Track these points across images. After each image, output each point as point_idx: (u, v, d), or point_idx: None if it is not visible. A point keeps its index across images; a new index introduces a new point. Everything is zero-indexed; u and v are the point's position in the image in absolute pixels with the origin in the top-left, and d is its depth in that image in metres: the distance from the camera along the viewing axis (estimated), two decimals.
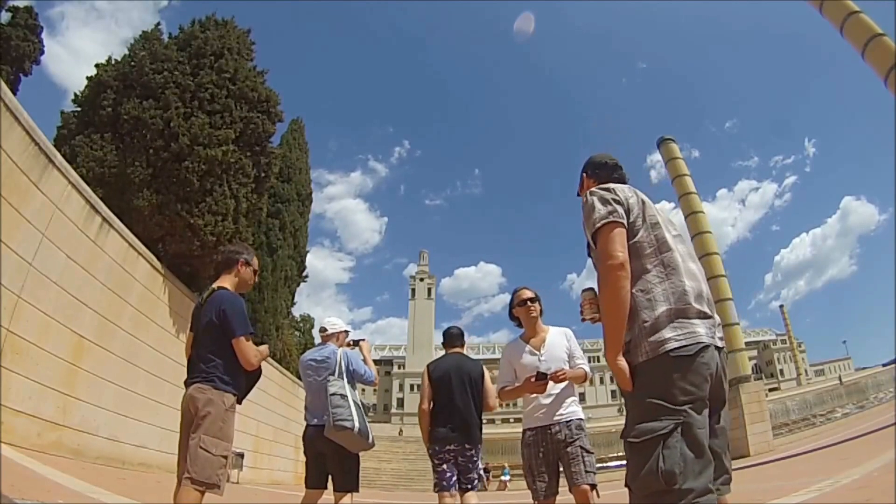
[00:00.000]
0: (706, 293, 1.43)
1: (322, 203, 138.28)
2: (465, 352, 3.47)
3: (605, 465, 21.39)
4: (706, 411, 1.29)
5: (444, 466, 3.01)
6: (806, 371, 67.01)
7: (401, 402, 69.27)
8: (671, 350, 1.29)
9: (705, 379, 1.29)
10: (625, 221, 1.45)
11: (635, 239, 1.45)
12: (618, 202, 1.46)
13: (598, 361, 69.11)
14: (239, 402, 2.56)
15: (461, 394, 3.15)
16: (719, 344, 1.37)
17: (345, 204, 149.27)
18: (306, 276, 20.72)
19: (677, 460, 1.18)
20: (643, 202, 1.53)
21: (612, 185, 1.55)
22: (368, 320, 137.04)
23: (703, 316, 1.36)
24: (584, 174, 1.80)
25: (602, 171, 1.74)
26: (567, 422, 2.57)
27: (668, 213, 1.63)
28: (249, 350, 2.51)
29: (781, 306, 78.11)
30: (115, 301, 7.86)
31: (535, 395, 2.61)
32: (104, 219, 7.66)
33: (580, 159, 1.90)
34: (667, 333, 1.32)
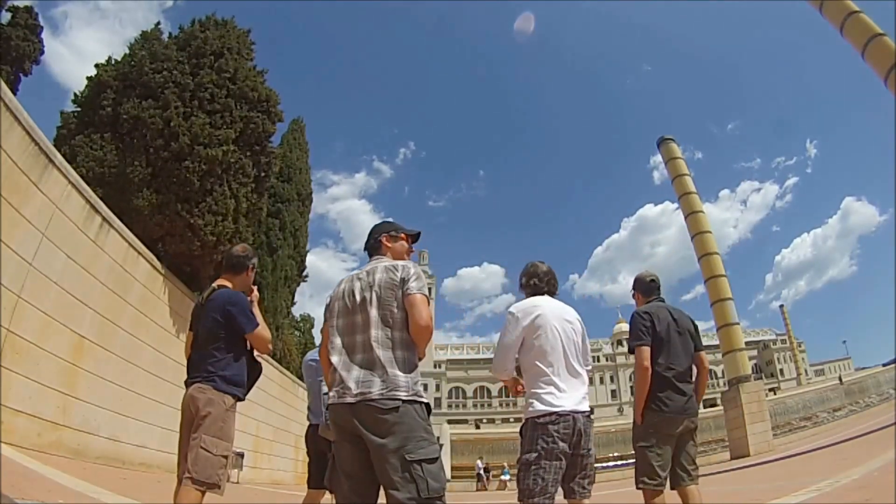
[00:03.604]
0: (340, 371, 1.81)
1: (325, 203, 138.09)
2: None
3: (604, 465, 21.42)
4: (345, 448, 1.75)
5: None
6: (806, 371, 67.03)
7: None
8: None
9: (335, 424, 1.78)
10: (327, 322, 1.96)
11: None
12: (327, 307, 1.99)
13: (598, 361, 69.16)
14: (241, 398, 2.59)
15: None
16: (349, 400, 1.73)
17: (349, 205, 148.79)
18: (306, 276, 20.73)
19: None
20: (334, 295, 1.97)
21: (339, 281, 2.04)
22: None
23: (340, 386, 1.78)
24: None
25: (369, 246, 2.15)
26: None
27: (366, 286, 1.93)
28: (263, 337, 2.61)
29: (781, 306, 78.11)
30: (115, 301, 7.86)
31: None
32: (104, 219, 7.66)
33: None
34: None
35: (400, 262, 1.98)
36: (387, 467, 1.62)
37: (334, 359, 1.84)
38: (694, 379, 2.95)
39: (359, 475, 1.70)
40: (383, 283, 1.89)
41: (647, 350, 2.81)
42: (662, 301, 3.09)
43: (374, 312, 1.84)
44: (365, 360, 1.79)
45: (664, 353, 2.82)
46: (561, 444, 2.15)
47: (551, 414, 2.19)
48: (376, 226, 2.19)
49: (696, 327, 3.03)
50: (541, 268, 2.61)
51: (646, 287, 3.16)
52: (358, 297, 1.89)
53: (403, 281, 1.88)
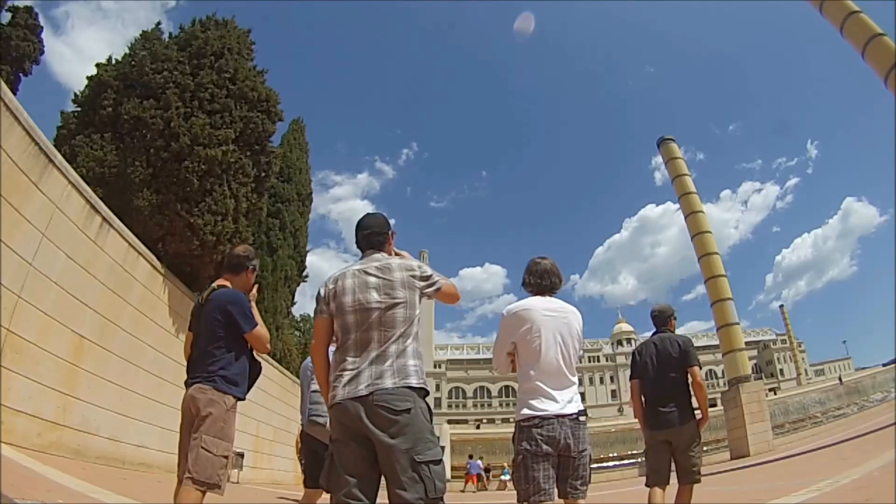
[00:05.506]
0: (351, 366, 1.83)
1: (327, 204, 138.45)
2: None
3: (604, 465, 21.43)
4: (350, 447, 1.74)
5: None
6: (806, 371, 67.06)
7: None
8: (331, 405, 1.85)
9: (339, 423, 1.77)
10: (326, 315, 1.94)
11: (335, 328, 1.94)
12: (322, 299, 1.96)
13: (598, 361, 69.16)
14: (242, 398, 2.60)
15: None
16: (362, 392, 1.75)
17: (351, 205, 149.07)
18: (306, 276, 20.70)
19: None
20: (339, 290, 1.93)
21: (329, 278, 2.00)
22: None
23: (349, 381, 1.79)
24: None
25: (359, 243, 2.12)
26: None
27: (375, 284, 1.93)
28: (262, 337, 2.62)
29: (782, 306, 78.23)
30: (115, 301, 7.85)
31: None
32: (104, 219, 7.65)
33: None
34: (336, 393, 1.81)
35: (413, 262, 2.04)
36: (396, 467, 1.65)
37: (348, 356, 1.85)
38: (685, 393, 3.42)
39: (363, 475, 1.72)
40: (406, 282, 1.94)
41: (634, 384, 3.58)
42: (663, 331, 3.62)
43: (397, 312, 1.89)
44: (380, 357, 1.82)
45: (644, 382, 3.53)
46: (545, 446, 2.18)
47: (535, 418, 2.22)
48: (379, 219, 2.14)
49: (683, 348, 3.43)
50: (540, 265, 2.57)
51: (652, 320, 3.76)
52: (376, 295, 1.90)
53: (423, 278, 2.00)
